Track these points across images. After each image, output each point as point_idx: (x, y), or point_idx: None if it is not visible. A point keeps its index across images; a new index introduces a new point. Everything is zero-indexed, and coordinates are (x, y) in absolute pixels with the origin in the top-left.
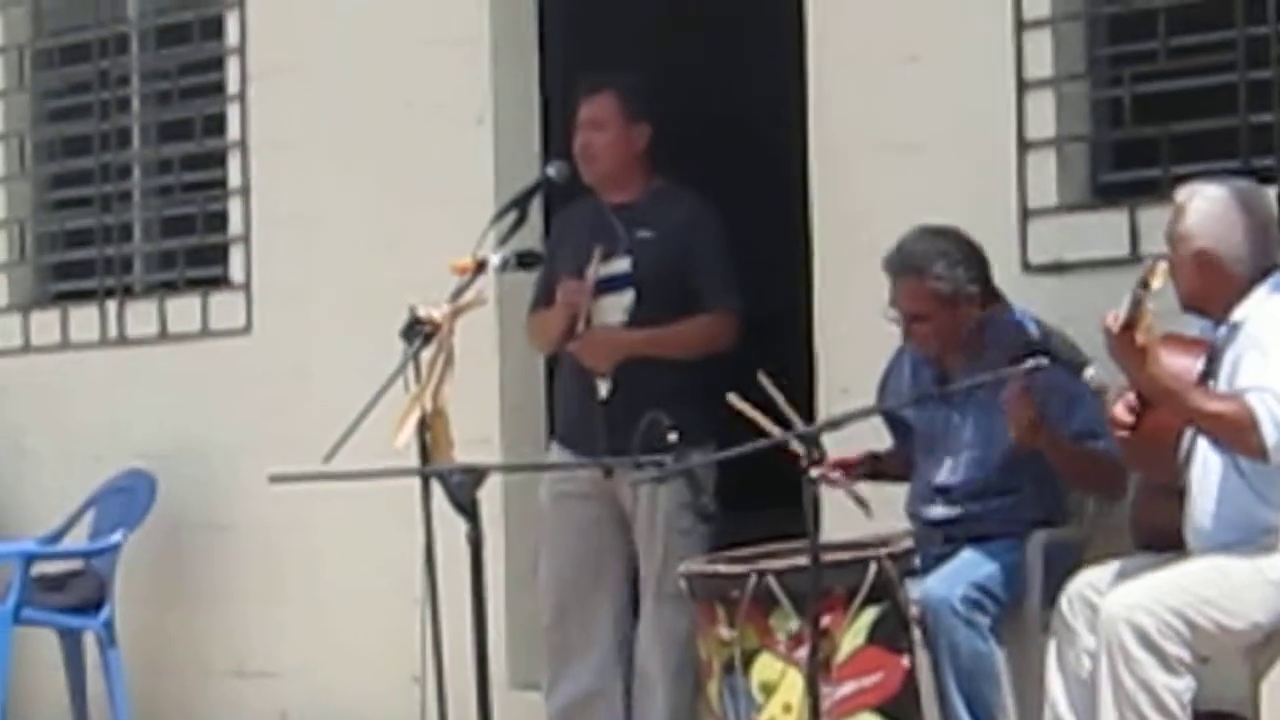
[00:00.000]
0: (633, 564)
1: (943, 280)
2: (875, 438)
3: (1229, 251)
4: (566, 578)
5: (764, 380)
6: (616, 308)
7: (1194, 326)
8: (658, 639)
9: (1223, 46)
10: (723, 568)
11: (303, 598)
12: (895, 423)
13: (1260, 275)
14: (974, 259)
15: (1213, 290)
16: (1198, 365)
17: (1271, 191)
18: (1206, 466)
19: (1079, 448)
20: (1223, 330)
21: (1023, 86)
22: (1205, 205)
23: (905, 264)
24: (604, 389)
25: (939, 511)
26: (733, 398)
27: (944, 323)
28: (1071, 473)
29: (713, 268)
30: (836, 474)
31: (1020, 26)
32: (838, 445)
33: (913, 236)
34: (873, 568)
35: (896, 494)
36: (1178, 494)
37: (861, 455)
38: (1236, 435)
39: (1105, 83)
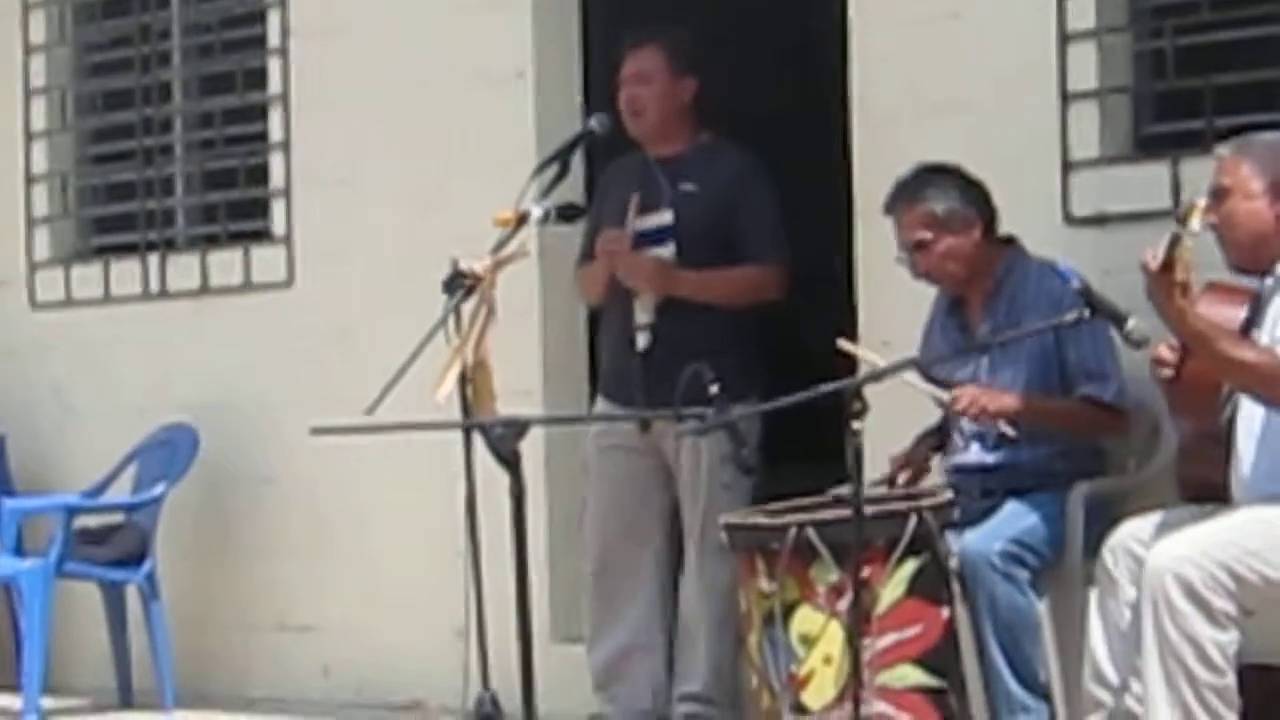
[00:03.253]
0: (677, 517)
1: (935, 201)
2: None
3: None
4: (611, 530)
5: (843, 345)
6: None
7: (1245, 278)
8: (701, 591)
9: None
10: (763, 519)
11: (345, 551)
12: (937, 384)
13: None
14: (969, 188)
15: (1273, 229)
16: (1240, 315)
17: None
18: (1253, 416)
19: (1057, 404)
20: (1270, 281)
21: (1065, 39)
22: (1265, 148)
23: (898, 196)
24: (643, 341)
25: (976, 456)
26: (843, 342)
27: (946, 248)
28: (1059, 425)
29: (759, 220)
30: (903, 477)
31: None
32: (878, 397)
33: (910, 172)
34: (913, 519)
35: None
36: (1223, 444)
37: (923, 447)
38: (1264, 385)
39: (1147, 34)
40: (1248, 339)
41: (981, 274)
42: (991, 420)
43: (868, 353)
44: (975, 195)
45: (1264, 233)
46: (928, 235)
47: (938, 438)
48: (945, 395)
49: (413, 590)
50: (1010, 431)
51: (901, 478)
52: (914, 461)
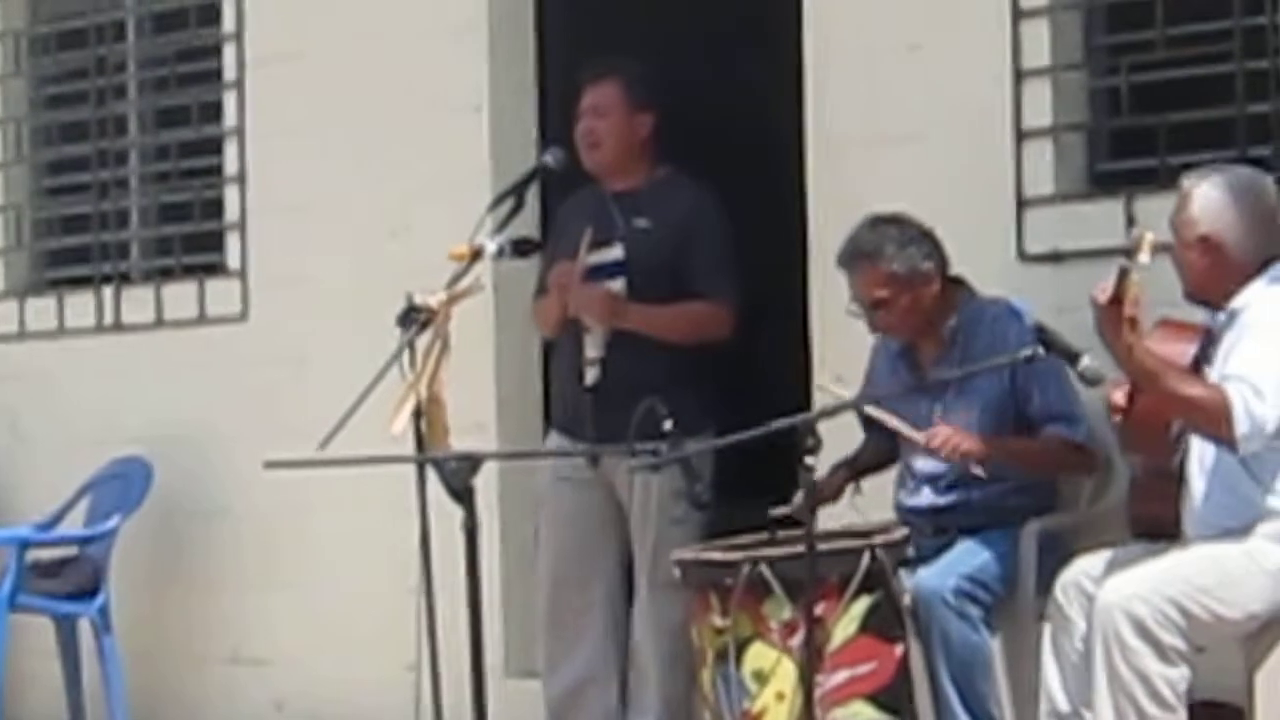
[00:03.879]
0: (628, 551)
1: (896, 261)
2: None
3: (1233, 238)
4: (563, 565)
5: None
6: None
7: (1198, 315)
8: (652, 627)
9: (1220, 36)
10: (716, 555)
11: (298, 585)
12: (868, 418)
13: (1263, 264)
14: (925, 239)
15: (1215, 277)
16: (1190, 351)
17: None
18: (1204, 452)
19: (1026, 444)
20: (1222, 317)
21: (1020, 75)
22: (1211, 191)
23: (856, 252)
24: (591, 375)
25: (927, 499)
26: (869, 407)
27: (906, 304)
28: (1027, 465)
29: (710, 258)
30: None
31: (1017, 15)
32: (831, 433)
33: (861, 227)
34: (866, 556)
35: (883, 483)
36: (1174, 482)
37: (837, 477)
38: (1210, 422)
39: (1102, 72)
40: (1197, 375)
41: (935, 321)
42: (962, 460)
43: (841, 389)
44: (932, 248)
45: (1199, 279)
46: (887, 294)
47: (850, 469)
48: (919, 436)
49: (366, 624)
50: (979, 471)
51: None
52: (825, 494)
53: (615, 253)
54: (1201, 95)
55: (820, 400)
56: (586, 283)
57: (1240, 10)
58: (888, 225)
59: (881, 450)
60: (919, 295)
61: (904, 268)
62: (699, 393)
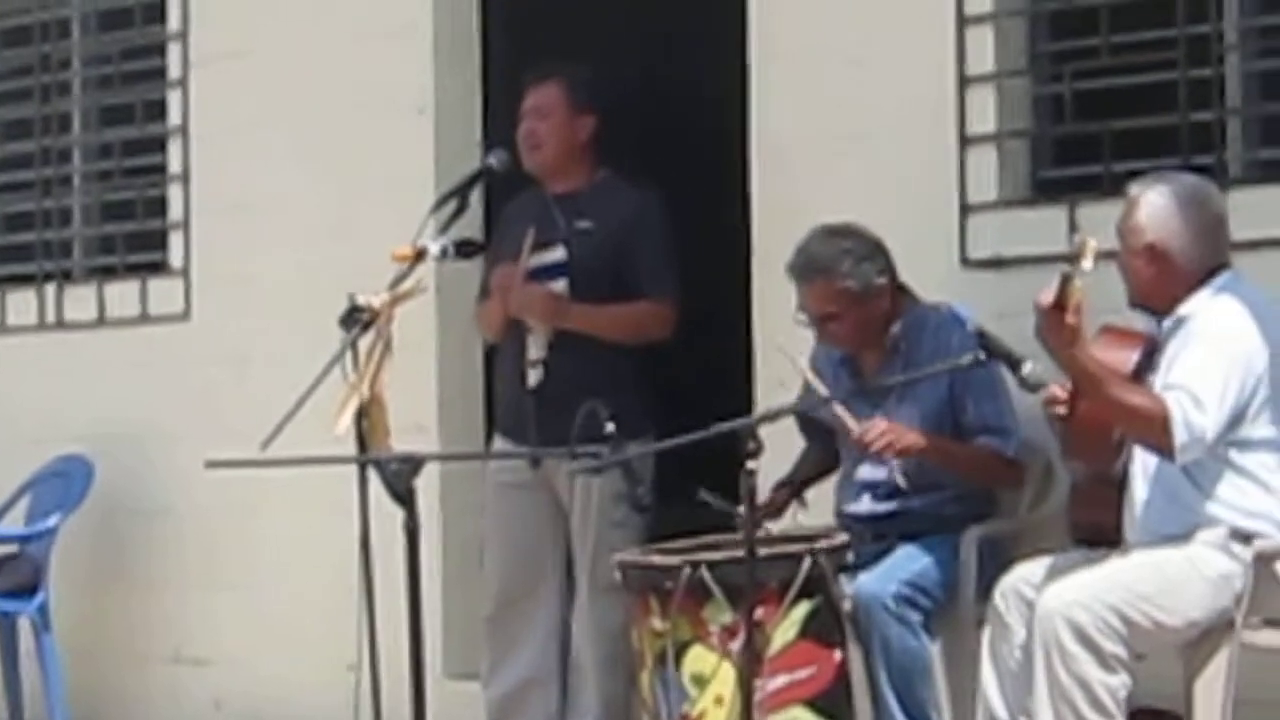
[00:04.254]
0: (571, 554)
1: (851, 278)
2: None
3: (1180, 246)
4: (510, 568)
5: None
6: None
7: (1140, 322)
8: (592, 629)
9: (1164, 44)
10: (657, 559)
11: (239, 585)
12: (808, 422)
13: (1208, 273)
14: (878, 252)
15: (1161, 285)
16: (1133, 358)
17: None
18: (1146, 459)
19: (961, 448)
20: (1166, 324)
21: (964, 82)
22: (1159, 199)
23: (810, 266)
24: (534, 377)
25: (867, 507)
26: (784, 346)
27: (857, 319)
28: (959, 471)
29: (652, 259)
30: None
31: (962, 22)
32: (772, 436)
33: (814, 238)
34: (806, 562)
35: (824, 493)
36: (1114, 489)
37: (778, 495)
38: (1149, 431)
39: (1046, 79)
40: (1139, 383)
41: (880, 330)
42: (897, 457)
43: (803, 363)
44: (884, 261)
45: (1144, 287)
46: (838, 310)
47: (792, 487)
48: (857, 427)
49: (306, 624)
50: (902, 482)
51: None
52: (770, 512)
53: (557, 254)
54: (1145, 103)
55: (771, 370)
56: (528, 284)
57: (1184, 18)
58: (840, 238)
59: (821, 459)
60: (870, 310)
61: (858, 284)
62: (642, 395)
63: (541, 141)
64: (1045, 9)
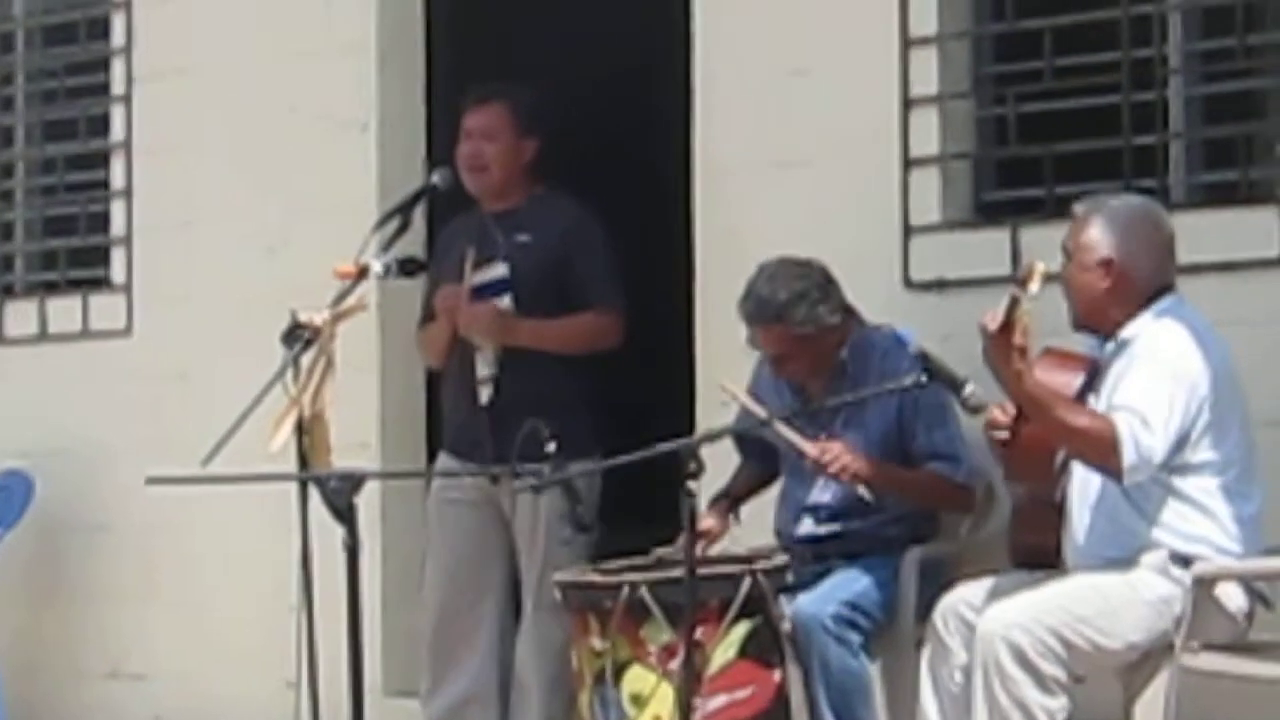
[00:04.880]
0: (516, 572)
1: (806, 323)
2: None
3: (1136, 262)
4: (451, 584)
5: (726, 386)
6: None
7: (1082, 345)
8: (535, 647)
9: (1107, 68)
10: (596, 578)
11: (179, 601)
12: (746, 440)
13: (1155, 293)
14: (830, 289)
15: (1112, 302)
16: (1077, 381)
17: None
18: (1087, 481)
19: (911, 474)
20: (1110, 346)
21: (908, 103)
22: (1115, 215)
23: (763, 312)
24: (485, 394)
25: (808, 529)
26: (725, 383)
27: (811, 357)
28: (909, 496)
29: (594, 268)
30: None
31: (906, 44)
32: (713, 457)
33: (764, 279)
34: (746, 582)
35: (760, 509)
36: (1055, 511)
37: (716, 516)
38: (1097, 452)
39: (990, 101)
40: (1083, 405)
41: (829, 357)
42: (850, 480)
43: (746, 398)
44: (836, 298)
45: (1095, 303)
46: (792, 351)
47: (729, 500)
48: (813, 448)
49: (246, 640)
50: (867, 495)
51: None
52: (715, 534)
53: (499, 270)
54: (1088, 126)
55: (711, 392)
56: (474, 302)
57: (1128, 42)
58: (792, 279)
59: (757, 476)
60: (823, 347)
61: (813, 328)
62: (590, 412)
63: (487, 164)
64: (989, 31)
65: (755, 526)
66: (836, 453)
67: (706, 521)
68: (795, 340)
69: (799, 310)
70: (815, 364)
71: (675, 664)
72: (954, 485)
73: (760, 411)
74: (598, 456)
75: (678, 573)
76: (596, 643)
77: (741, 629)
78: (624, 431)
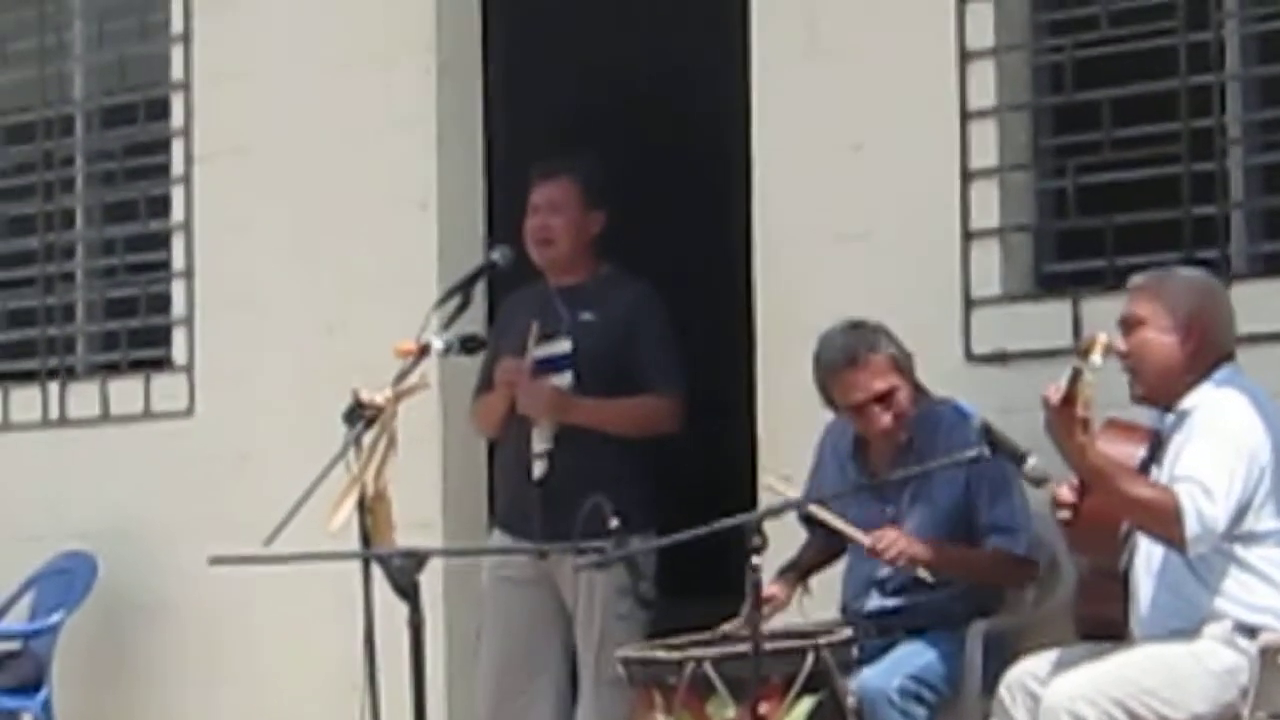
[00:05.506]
0: (572, 650)
1: (891, 347)
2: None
3: (1211, 326)
4: (506, 664)
5: (773, 485)
6: None
7: (1144, 417)
8: None
9: (1166, 138)
10: (660, 654)
11: (242, 681)
12: (811, 520)
13: (1215, 364)
14: (895, 336)
15: (1186, 366)
16: (1139, 453)
17: None
18: (1151, 553)
19: (970, 554)
20: (1171, 418)
21: (967, 176)
22: (1184, 283)
23: (853, 348)
24: (539, 469)
25: (875, 603)
26: (814, 507)
27: (908, 394)
28: (968, 574)
29: (656, 351)
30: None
31: (965, 116)
32: (776, 532)
33: (836, 332)
34: (810, 656)
35: (828, 581)
36: (1120, 583)
37: (783, 585)
38: (1160, 524)
39: (1049, 173)
40: (1145, 477)
41: (906, 408)
42: (909, 565)
43: (786, 487)
44: (901, 343)
45: (1172, 367)
46: (891, 384)
47: (796, 572)
48: (866, 539)
49: None
50: (928, 577)
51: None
52: (780, 603)
53: (563, 345)
54: (1148, 197)
55: (766, 499)
56: (535, 379)
57: (1187, 112)
58: (858, 328)
59: (825, 549)
60: (907, 393)
61: (901, 355)
62: (645, 488)
63: (555, 237)
64: (1048, 103)
65: (822, 601)
66: (891, 540)
67: (771, 589)
68: (891, 368)
69: (881, 340)
70: (904, 410)
71: None
72: (1015, 559)
73: (821, 512)
74: (653, 532)
75: (742, 648)
76: (661, 718)
77: (806, 704)
78: (683, 508)
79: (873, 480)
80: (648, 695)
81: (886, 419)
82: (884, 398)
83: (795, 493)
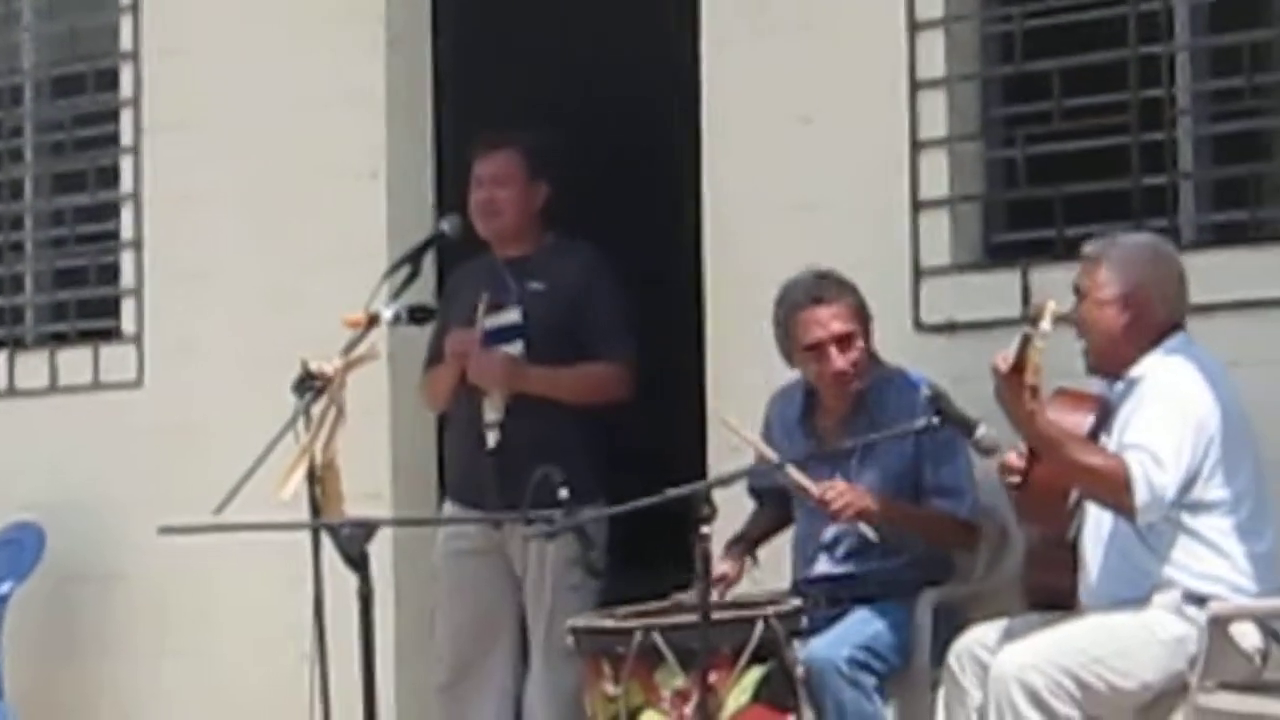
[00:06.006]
0: (524, 619)
1: (857, 296)
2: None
3: (1149, 298)
4: (462, 637)
5: (728, 421)
6: None
7: (1094, 386)
8: (546, 695)
9: (1116, 108)
10: (609, 623)
11: (192, 652)
12: (758, 486)
13: (1165, 332)
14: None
15: (1128, 339)
16: (1088, 421)
17: None
18: (1100, 521)
19: (916, 511)
20: (1120, 386)
21: (916, 146)
22: (1127, 252)
23: (820, 287)
24: (493, 439)
25: (824, 568)
26: (728, 419)
27: (862, 348)
28: (912, 532)
29: (606, 318)
30: (720, 588)
31: (914, 86)
32: (725, 503)
33: (807, 274)
34: (759, 626)
35: (777, 553)
36: (1069, 552)
37: (732, 560)
38: (1110, 492)
39: (999, 143)
40: (1095, 444)
41: (864, 367)
42: (855, 519)
43: (750, 435)
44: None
45: (1113, 338)
46: (855, 328)
47: (744, 544)
48: (816, 487)
49: (259, 691)
50: (872, 535)
51: (718, 593)
52: (732, 579)
53: (512, 316)
54: (1098, 167)
55: (722, 437)
56: (486, 349)
57: (1137, 82)
58: (826, 276)
59: (774, 518)
60: (868, 343)
61: (863, 310)
62: (597, 458)
63: (502, 209)
64: (997, 73)
65: (772, 571)
66: (841, 490)
67: (722, 566)
68: (858, 314)
69: (853, 294)
70: (862, 364)
71: (689, 709)
72: (957, 522)
73: (769, 452)
74: (603, 502)
75: (690, 618)
76: (610, 688)
77: (755, 673)
78: (633, 477)
79: (821, 446)
80: (596, 665)
81: (842, 362)
82: (843, 340)
83: (748, 431)
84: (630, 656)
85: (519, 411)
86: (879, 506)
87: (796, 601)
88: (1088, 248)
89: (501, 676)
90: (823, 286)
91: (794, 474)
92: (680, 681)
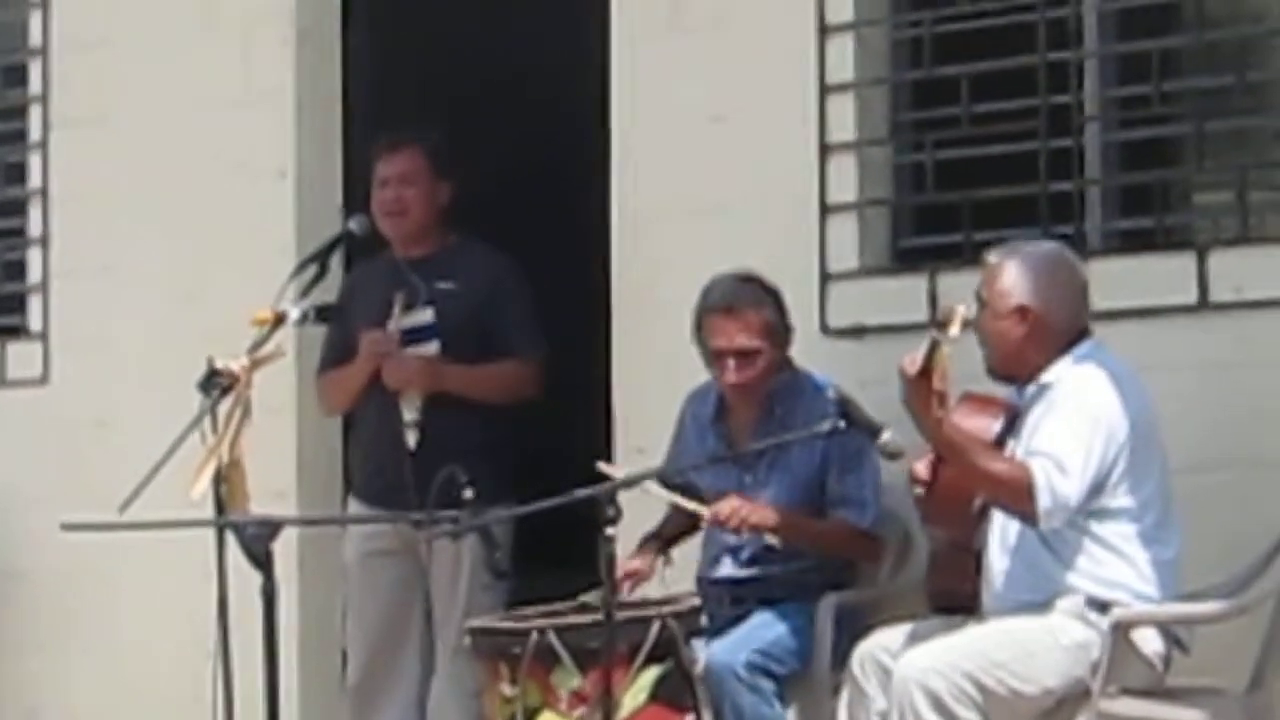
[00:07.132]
0: (433, 619)
1: (772, 312)
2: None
3: (1050, 307)
4: (374, 637)
5: (602, 467)
6: None
7: (1001, 391)
8: (451, 695)
9: (1025, 114)
10: (505, 624)
11: (97, 648)
12: (672, 487)
13: (1073, 339)
14: (782, 304)
15: (1029, 349)
16: (996, 426)
17: None
18: (1006, 527)
19: (814, 524)
20: (1030, 390)
21: (825, 150)
22: (1027, 262)
23: (738, 297)
24: (412, 439)
25: (727, 571)
26: (650, 485)
27: (770, 360)
28: (813, 545)
29: (517, 317)
30: (629, 584)
31: (824, 90)
32: (631, 503)
33: (726, 279)
34: (656, 626)
35: (691, 553)
36: (973, 557)
37: (645, 557)
38: (1013, 497)
39: (907, 148)
40: (1000, 451)
41: (770, 374)
42: (751, 533)
43: (612, 471)
44: (787, 313)
45: (1011, 350)
46: (761, 346)
47: (658, 542)
48: (704, 510)
49: (164, 688)
50: (775, 542)
51: (627, 589)
52: (643, 575)
53: (425, 316)
54: (1005, 172)
55: (629, 439)
56: (402, 350)
57: (1045, 88)
58: (754, 282)
59: (687, 520)
60: (778, 354)
61: (778, 322)
62: (504, 459)
63: (408, 208)
64: (906, 78)
65: (684, 570)
66: (733, 508)
67: (634, 563)
68: (764, 330)
69: (767, 301)
70: (767, 374)
71: (585, 710)
72: (859, 533)
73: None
74: (511, 503)
75: (587, 618)
76: (507, 689)
77: (652, 673)
78: (539, 479)
79: (732, 449)
80: (494, 666)
81: (734, 377)
82: (743, 355)
83: (620, 474)
84: (527, 657)
85: (436, 411)
86: (776, 519)
87: (694, 601)
88: (989, 256)
89: (410, 671)
90: (738, 295)
91: (681, 501)
92: (576, 682)
